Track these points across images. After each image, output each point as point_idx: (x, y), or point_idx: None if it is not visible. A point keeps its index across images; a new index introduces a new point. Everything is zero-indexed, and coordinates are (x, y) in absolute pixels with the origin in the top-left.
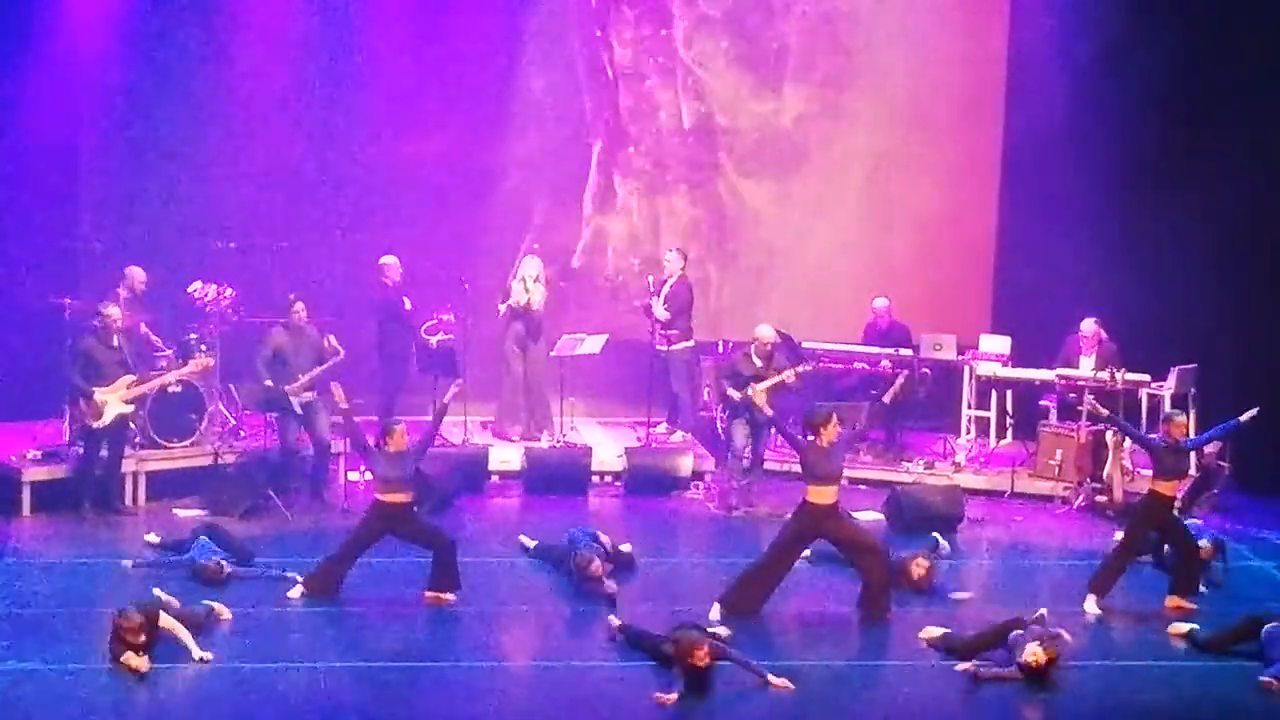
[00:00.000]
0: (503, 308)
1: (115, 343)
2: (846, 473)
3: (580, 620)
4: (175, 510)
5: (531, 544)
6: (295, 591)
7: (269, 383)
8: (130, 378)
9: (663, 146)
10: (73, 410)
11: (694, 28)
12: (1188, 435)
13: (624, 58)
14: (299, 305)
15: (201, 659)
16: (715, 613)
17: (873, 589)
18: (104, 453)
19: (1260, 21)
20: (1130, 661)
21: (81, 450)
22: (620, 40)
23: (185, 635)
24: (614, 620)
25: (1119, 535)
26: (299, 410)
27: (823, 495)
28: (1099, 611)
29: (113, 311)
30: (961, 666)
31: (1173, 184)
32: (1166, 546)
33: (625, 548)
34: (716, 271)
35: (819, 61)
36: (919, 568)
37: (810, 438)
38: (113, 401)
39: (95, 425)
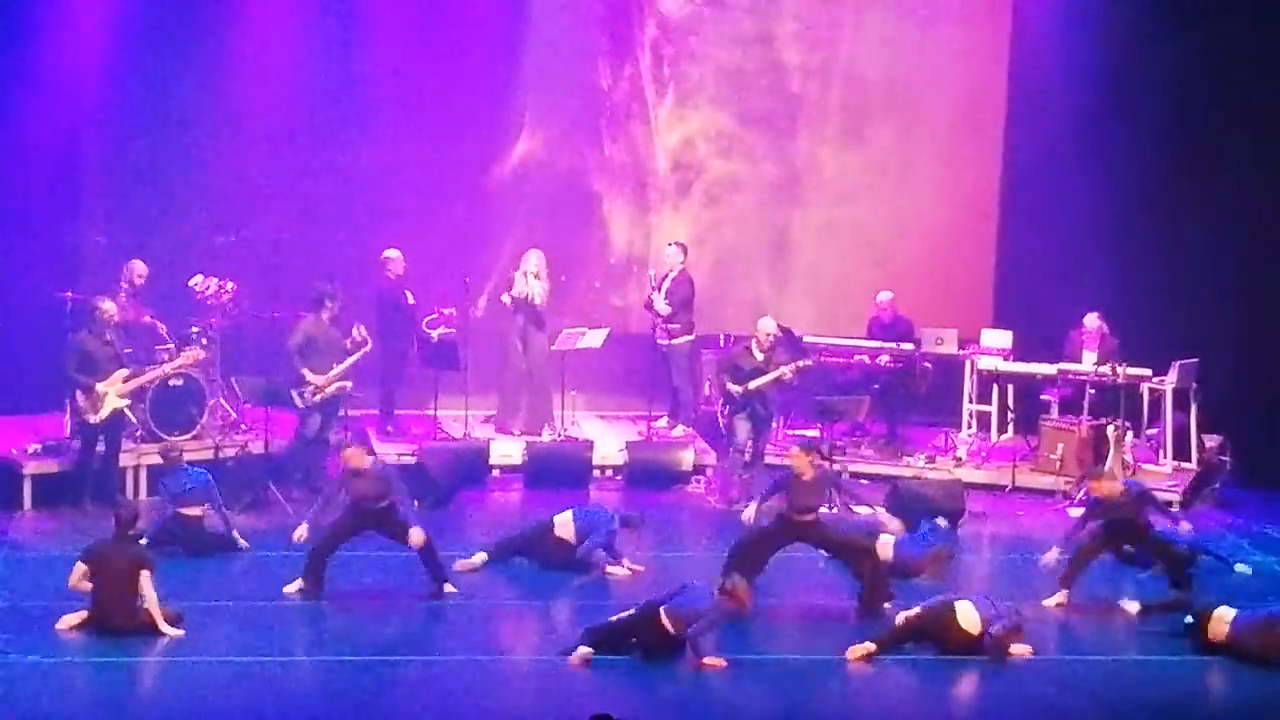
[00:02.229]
0: (507, 298)
1: (109, 337)
2: (848, 467)
3: (577, 614)
4: (170, 503)
5: (487, 553)
6: (293, 586)
7: (306, 371)
8: (124, 371)
9: (667, 148)
10: (73, 404)
11: (706, 36)
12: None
13: (633, 56)
14: (339, 299)
15: (166, 635)
16: None
17: (868, 581)
18: (101, 447)
19: (1264, 25)
20: (1119, 656)
21: (78, 445)
22: (626, 44)
23: (154, 603)
24: (584, 651)
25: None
26: (299, 404)
27: (802, 515)
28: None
29: (107, 306)
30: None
31: (1173, 179)
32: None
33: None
34: (721, 267)
35: (824, 61)
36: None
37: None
38: (109, 396)
39: (92, 420)
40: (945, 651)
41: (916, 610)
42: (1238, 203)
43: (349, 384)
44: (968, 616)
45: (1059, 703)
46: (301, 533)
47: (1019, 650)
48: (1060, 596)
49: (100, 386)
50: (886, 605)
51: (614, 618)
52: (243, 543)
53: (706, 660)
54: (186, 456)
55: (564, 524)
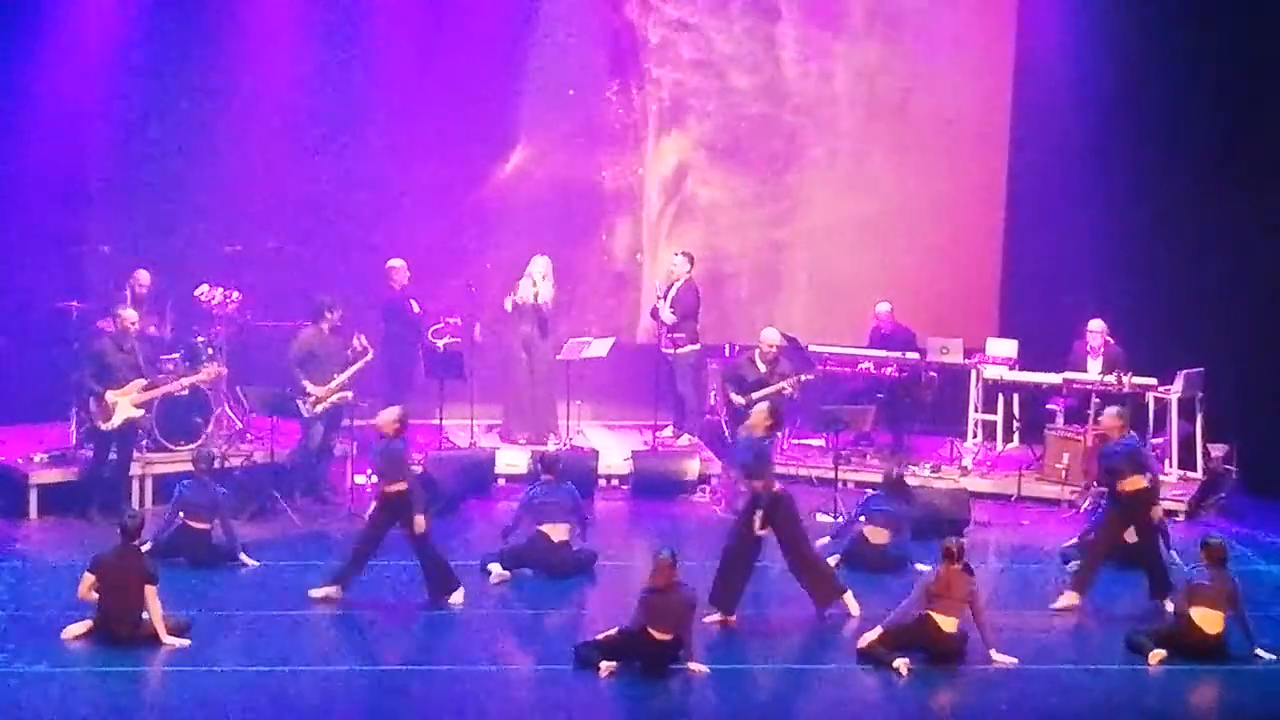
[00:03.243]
0: (509, 304)
1: (128, 346)
2: (853, 476)
3: (581, 624)
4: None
5: (503, 572)
6: (319, 592)
7: (306, 383)
8: (142, 381)
9: (671, 159)
10: (81, 413)
11: (707, 52)
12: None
13: (639, 55)
14: (339, 309)
15: (169, 645)
16: (713, 617)
17: (812, 584)
18: (112, 456)
19: (1268, 31)
20: (1122, 665)
21: (91, 452)
22: (633, 42)
23: (158, 618)
24: (608, 664)
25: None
26: (306, 414)
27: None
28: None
29: (128, 314)
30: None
31: (1179, 189)
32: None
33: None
34: (726, 277)
35: (827, 74)
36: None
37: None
38: (123, 404)
39: (104, 427)
40: (933, 660)
41: (887, 628)
42: (1244, 212)
43: (350, 394)
44: (948, 619)
45: (1062, 711)
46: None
47: (1001, 660)
48: (1070, 599)
49: (112, 395)
50: (844, 597)
51: (600, 635)
52: (250, 562)
53: (693, 666)
54: (186, 466)
55: (552, 527)
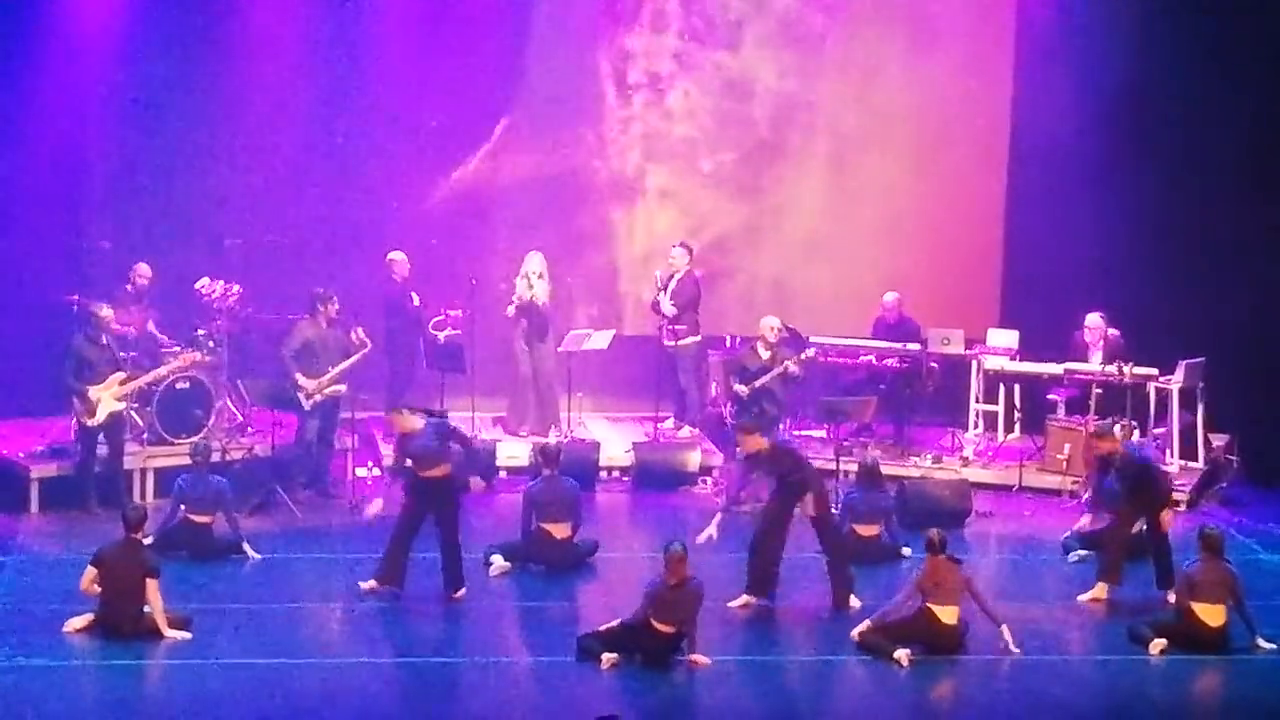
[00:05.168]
0: (511, 310)
1: (105, 341)
2: (854, 469)
3: (583, 616)
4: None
5: (504, 564)
6: (369, 584)
7: (298, 376)
8: (121, 375)
9: (674, 144)
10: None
11: (712, 48)
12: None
13: (635, 63)
14: (335, 301)
15: (171, 638)
16: (739, 601)
17: (836, 579)
18: (102, 450)
19: (1265, 29)
20: (1126, 655)
21: (80, 449)
22: (632, 50)
23: (159, 611)
24: (610, 656)
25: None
26: (307, 407)
27: None
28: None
29: (105, 312)
30: None
31: (1179, 179)
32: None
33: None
34: (727, 269)
35: (826, 55)
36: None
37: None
38: (106, 399)
39: (90, 423)
40: (933, 651)
41: (885, 621)
42: (1245, 202)
43: (343, 387)
44: (947, 610)
45: (1064, 702)
46: (375, 506)
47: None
48: (1099, 591)
49: (94, 391)
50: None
51: (603, 627)
52: (253, 554)
53: (695, 658)
54: (186, 460)
55: (553, 525)
